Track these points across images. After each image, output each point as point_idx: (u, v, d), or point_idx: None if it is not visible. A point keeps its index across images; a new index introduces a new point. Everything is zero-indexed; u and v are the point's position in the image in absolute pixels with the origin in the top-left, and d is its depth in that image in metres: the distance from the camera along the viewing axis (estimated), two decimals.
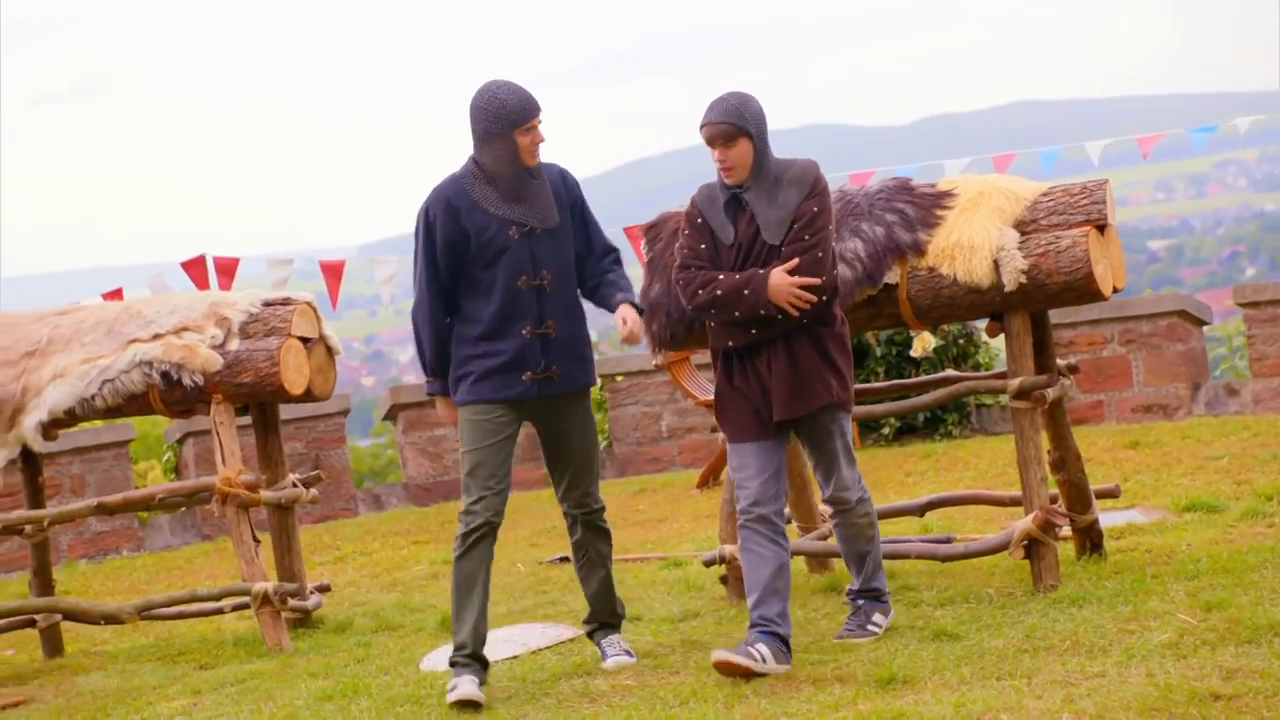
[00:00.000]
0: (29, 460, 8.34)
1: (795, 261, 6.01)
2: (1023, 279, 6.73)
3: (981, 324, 10.70)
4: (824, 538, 7.66)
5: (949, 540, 7.50)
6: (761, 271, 6.04)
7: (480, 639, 6.12)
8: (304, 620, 8.18)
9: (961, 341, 13.26)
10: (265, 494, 7.97)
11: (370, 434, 27.83)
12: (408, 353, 78.56)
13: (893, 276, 6.94)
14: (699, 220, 6.22)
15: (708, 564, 7.56)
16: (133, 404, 7.96)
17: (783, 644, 6.02)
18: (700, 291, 6.13)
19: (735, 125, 6.04)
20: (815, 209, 6.06)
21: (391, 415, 14.02)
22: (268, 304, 8.04)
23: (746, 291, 6.03)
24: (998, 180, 7.05)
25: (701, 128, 6.12)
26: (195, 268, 10.95)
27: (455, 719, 5.87)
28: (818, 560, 7.77)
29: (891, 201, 7.02)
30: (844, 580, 7.46)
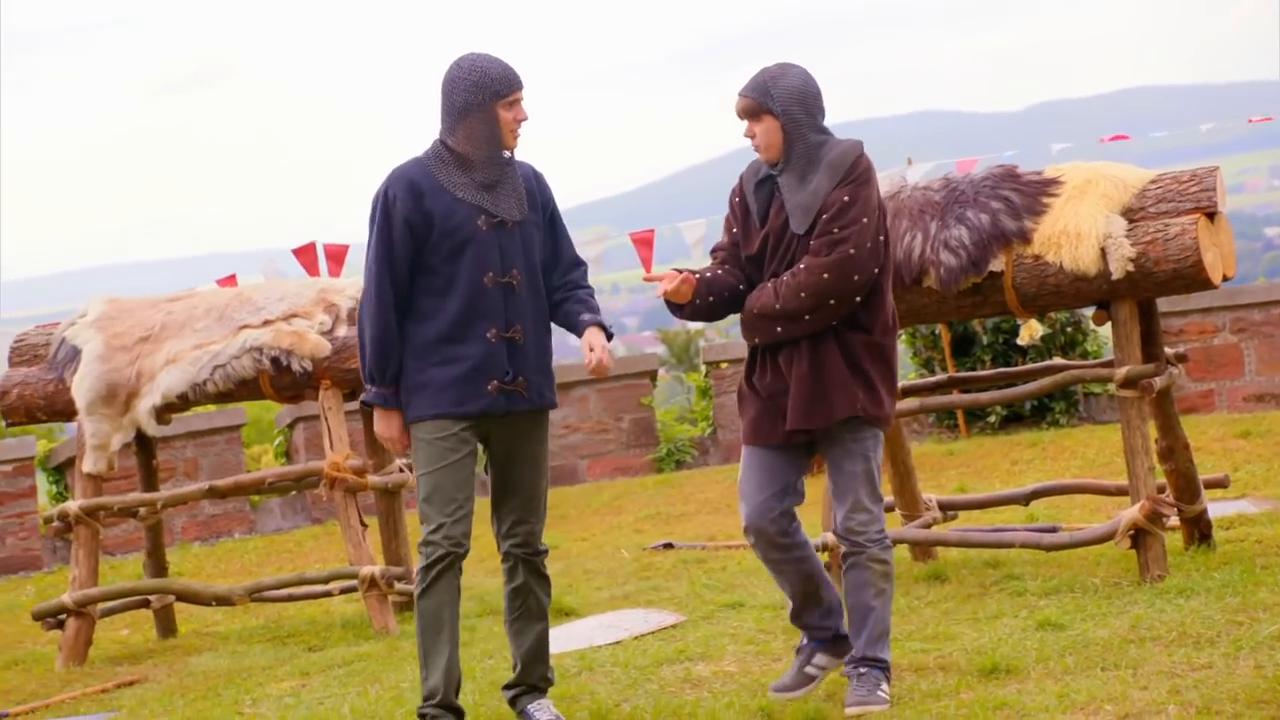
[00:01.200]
0: (143, 444, 8.50)
1: (661, 272, 5.56)
2: (1130, 267, 6.67)
3: (1089, 312, 10.59)
4: (927, 526, 7.64)
5: (1055, 529, 7.46)
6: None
7: (454, 684, 5.43)
8: (410, 604, 8.27)
9: (1069, 329, 13.14)
10: (372, 479, 8.07)
11: None
12: None
13: (998, 264, 6.90)
14: (737, 200, 5.67)
15: None
16: (243, 389, 8.07)
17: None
18: None
19: (757, 100, 5.45)
20: (846, 199, 5.38)
21: None
22: None
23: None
24: (1105, 168, 6.98)
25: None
26: (306, 254, 11.10)
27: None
28: (921, 549, 7.74)
29: (997, 189, 6.98)
30: (947, 569, 7.43)
